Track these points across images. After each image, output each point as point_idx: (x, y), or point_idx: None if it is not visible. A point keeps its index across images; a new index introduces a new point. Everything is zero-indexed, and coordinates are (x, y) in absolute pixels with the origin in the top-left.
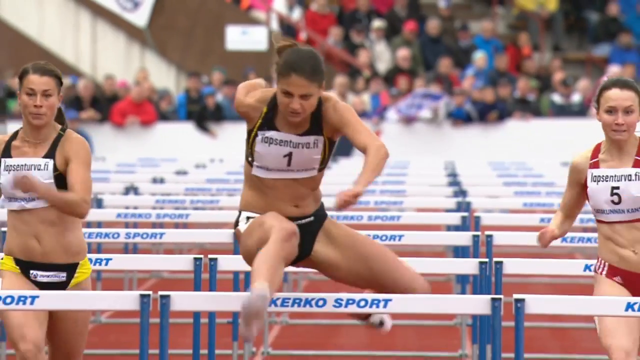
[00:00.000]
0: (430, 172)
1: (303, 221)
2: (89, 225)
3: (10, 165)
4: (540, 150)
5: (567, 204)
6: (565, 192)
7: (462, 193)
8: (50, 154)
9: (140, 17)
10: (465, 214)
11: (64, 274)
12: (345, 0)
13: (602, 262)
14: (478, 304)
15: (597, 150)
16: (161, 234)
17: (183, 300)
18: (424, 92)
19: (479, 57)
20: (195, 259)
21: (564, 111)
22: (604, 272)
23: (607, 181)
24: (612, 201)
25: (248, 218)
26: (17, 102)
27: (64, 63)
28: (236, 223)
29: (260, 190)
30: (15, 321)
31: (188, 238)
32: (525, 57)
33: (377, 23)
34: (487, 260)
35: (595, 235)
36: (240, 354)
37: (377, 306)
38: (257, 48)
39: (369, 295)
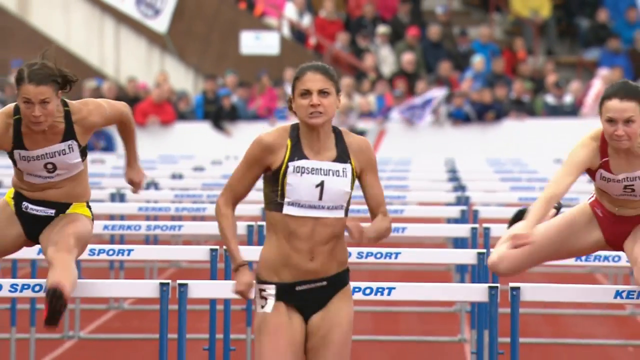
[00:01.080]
0: (431, 169)
1: (313, 285)
2: (112, 218)
3: (29, 157)
4: (535, 148)
5: (559, 195)
6: (561, 179)
7: (462, 188)
8: (68, 135)
9: (160, 24)
10: (464, 207)
11: (53, 211)
12: (351, 8)
13: (594, 195)
14: (476, 292)
15: (604, 146)
16: (180, 226)
17: (200, 289)
18: (423, 101)
19: (477, 61)
20: (212, 249)
21: (557, 111)
22: (590, 200)
23: (618, 182)
24: (626, 192)
25: (262, 294)
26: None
27: (89, 66)
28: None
29: (281, 241)
30: None
31: (205, 230)
32: (520, 60)
33: (382, 29)
34: (484, 251)
35: None
36: (253, 338)
37: (382, 294)
38: (270, 52)
39: (375, 284)
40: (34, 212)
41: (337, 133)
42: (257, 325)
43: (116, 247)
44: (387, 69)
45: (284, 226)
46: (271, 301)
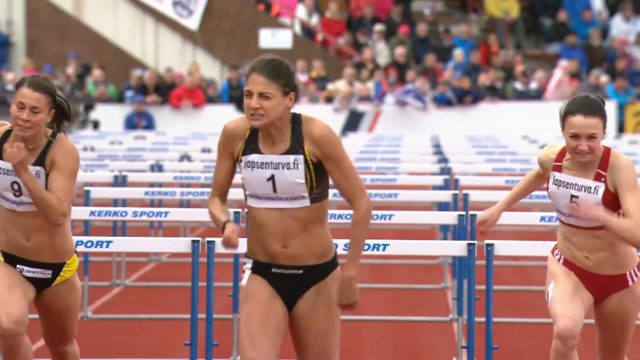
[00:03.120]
0: (419, 144)
1: (288, 271)
2: (152, 185)
3: (2, 169)
4: (506, 127)
5: (525, 186)
6: (530, 174)
7: (445, 160)
8: (40, 161)
9: (192, 22)
10: (447, 176)
11: (50, 272)
12: (352, 9)
13: (559, 253)
14: (457, 247)
15: (562, 154)
16: (208, 192)
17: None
18: (406, 90)
19: (458, 54)
20: (235, 212)
21: (524, 96)
22: (561, 261)
23: (567, 188)
24: (571, 208)
25: (243, 269)
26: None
27: (133, 58)
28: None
29: (255, 227)
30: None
31: (230, 195)
32: (493, 53)
33: (378, 27)
34: (464, 213)
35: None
36: None
37: (378, 250)
38: (284, 46)
39: (372, 241)
40: (31, 274)
41: (297, 123)
42: (240, 295)
43: (155, 209)
44: (383, 60)
45: (254, 214)
46: (248, 272)
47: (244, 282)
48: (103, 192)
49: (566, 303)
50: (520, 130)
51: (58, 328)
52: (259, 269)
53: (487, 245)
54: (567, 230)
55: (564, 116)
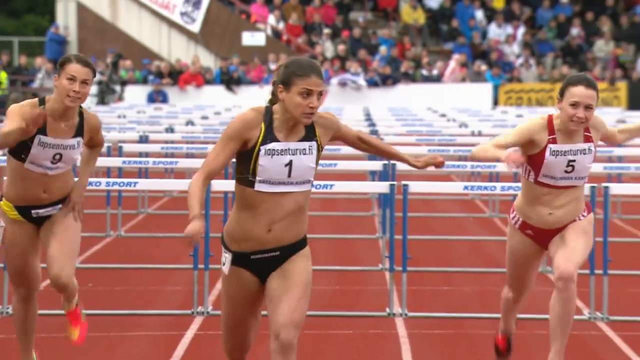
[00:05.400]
0: (355, 114)
1: (266, 255)
2: (166, 142)
3: (46, 143)
4: (416, 101)
5: (506, 146)
6: (510, 138)
7: (373, 124)
8: (79, 133)
9: (195, 27)
10: (375, 136)
11: (59, 205)
12: (308, 17)
13: (518, 217)
14: (382, 186)
15: (551, 126)
16: (205, 147)
17: (218, 185)
18: (346, 75)
19: (382, 49)
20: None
21: (428, 79)
22: (518, 225)
23: (564, 155)
24: (566, 171)
25: (224, 255)
26: (54, 83)
27: (153, 52)
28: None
29: (245, 216)
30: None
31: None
32: (407, 49)
33: (326, 30)
34: (387, 162)
35: (465, 163)
36: None
37: (326, 188)
38: (259, 44)
39: (322, 182)
40: (46, 213)
41: None
42: (222, 279)
43: (168, 159)
44: (329, 54)
45: (252, 200)
46: (228, 264)
47: (225, 269)
48: (131, 147)
49: (520, 281)
50: (425, 103)
51: (63, 247)
52: (239, 259)
53: (404, 185)
54: (540, 192)
55: (565, 87)
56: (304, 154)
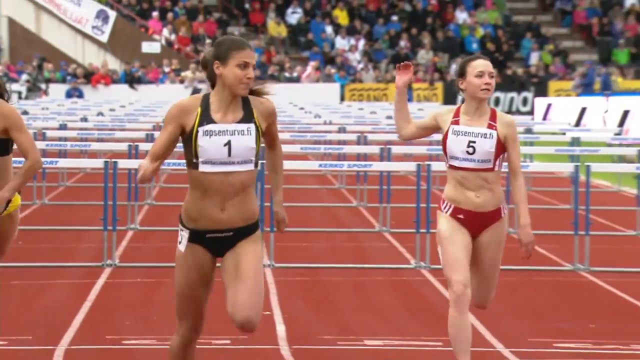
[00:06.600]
0: None
1: (220, 235)
2: (81, 129)
3: None
4: (281, 98)
5: (417, 125)
6: (422, 120)
7: None
8: None
9: (104, 38)
10: None
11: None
12: (194, 30)
13: (448, 203)
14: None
15: (457, 112)
16: (112, 133)
17: (124, 163)
18: None
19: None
20: (105, 162)
21: (291, 80)
22: (449, 212)
23: (465, 136)
24: (467, 152)
25: (180, 234)
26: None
27: (70, 58)
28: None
29: (198, 194)
30: None
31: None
32: (273, 56)
33: (208, 41)
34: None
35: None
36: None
37: None
38: (155, 51)
39: None
40: None
41: (245, 98)
42: (176, 257)
43: (82, 143)
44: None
45: (200, 181)
46: (184, 242)
47: (181, 247)
48: (53, 133)
49: (456, 268)
50: (287, 99)
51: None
52: (195, 236)
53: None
54: (459, 175)
55: (465, 65)
56: (243, 134)
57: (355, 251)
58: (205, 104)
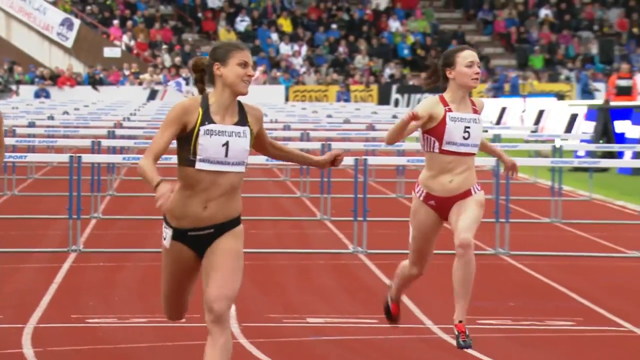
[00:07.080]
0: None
1: (202, 232)
2: (49, 126)
3: None
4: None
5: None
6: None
7: None
8: None
9: (69, 43)
10: None
11: None
12: (152, 36)
13: (421, 188)
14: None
15: (444, 100)
16: (77, 131)
17: (88, 158)
18: (177, 81)
19: None
20: (70, 157)
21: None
22: (422, 197)
23: (462, 122)
24: (464, 137)
25: (164, 230)
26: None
27: (38, 61)
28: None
29: (186, 191)
30: None
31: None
32: None
33: (164, 47)
34: None
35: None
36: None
37: None
38: (116, 56)
39: None
40: None
41: (239, 102)
42: (162, 252)
43: (50, 139)
44: (167, 64)
45: (191, 179)
46: (168, 239)
47: (165, 244)
48: (22, 130)
49: (417, 260)
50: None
51: None
52: (178, 234)
53: None
54: (445, 160)
55: (453, 56)
56: (239, 136)
57: (298, 238)
58: (205, 104)
